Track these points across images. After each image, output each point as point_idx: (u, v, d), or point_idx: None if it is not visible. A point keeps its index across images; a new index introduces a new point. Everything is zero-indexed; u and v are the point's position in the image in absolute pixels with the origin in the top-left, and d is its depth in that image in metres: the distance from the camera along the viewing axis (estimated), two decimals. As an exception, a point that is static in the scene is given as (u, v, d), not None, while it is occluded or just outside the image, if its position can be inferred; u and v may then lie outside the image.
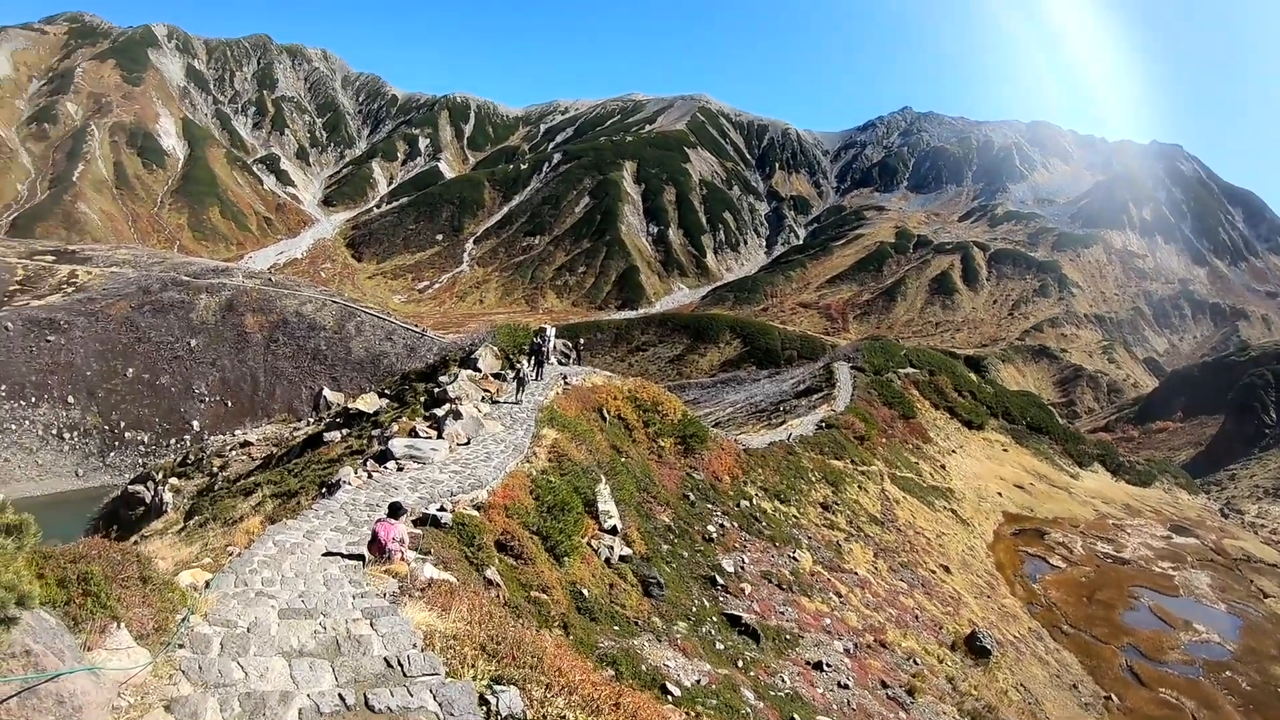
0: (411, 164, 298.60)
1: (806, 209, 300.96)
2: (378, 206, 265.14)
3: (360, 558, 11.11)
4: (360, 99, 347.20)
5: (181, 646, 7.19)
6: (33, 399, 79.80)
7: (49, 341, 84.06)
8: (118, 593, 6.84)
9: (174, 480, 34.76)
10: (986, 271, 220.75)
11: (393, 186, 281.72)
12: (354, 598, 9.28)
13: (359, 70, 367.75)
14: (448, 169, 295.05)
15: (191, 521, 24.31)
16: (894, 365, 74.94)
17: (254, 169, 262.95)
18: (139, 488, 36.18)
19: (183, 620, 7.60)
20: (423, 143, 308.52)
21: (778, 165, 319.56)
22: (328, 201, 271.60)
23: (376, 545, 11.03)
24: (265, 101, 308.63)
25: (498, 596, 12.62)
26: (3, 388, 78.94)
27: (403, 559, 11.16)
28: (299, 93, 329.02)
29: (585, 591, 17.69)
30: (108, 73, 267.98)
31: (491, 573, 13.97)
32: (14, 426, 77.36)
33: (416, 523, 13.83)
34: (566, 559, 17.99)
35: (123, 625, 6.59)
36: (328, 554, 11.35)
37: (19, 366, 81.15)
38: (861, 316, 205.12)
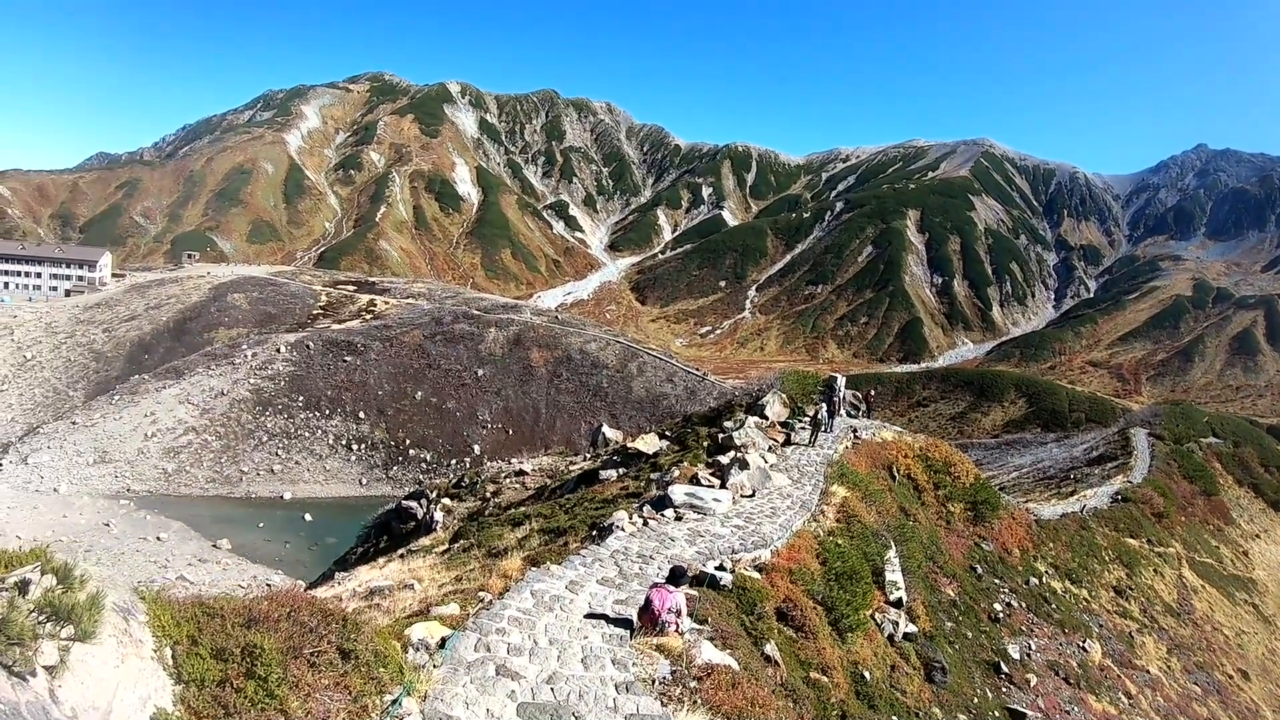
0: (695, 212, 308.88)
1: (1097, 259, 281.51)
2: (662, 252, 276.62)
3: (628, 623, 9.83)
4: (644, 149, 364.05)
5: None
6: (327, 411, 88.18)
7: (345, 361, 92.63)
8: (297, 674, 4.75)
9: (446, 500, 35.15)
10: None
11: (677, 233, 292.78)
12: (616, 688, 7.82)
13: (642, 121, 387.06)
14: (730, 217, 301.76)
15: (456, 545, 24.20)
16: (1195, 434, 70.62)
17: (544, 215, 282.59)
18: (413, 503, 37.03)
19: (391, 704, 5.47)
20: (705, 191, 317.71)
21: (1066, 212, 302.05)
22: (614, 246, 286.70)
23: (649, 614, 9.55)
24: (554, 152, 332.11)
25: (775, 676, 11.46)
26: (300, 399, 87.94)
27: (678, 631, 9.66)
28: (585, 144, 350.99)
29: (867, 674, 15.90)
30: (407, 125, 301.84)
31: (771, 648, 12.47)
32: (307, 434, 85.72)
33: (694, 581, 12.35)
34: (850, 634, 16.21)
35: (292, 721, 4.46)
36: (590, 615, 10.01)
37: (316, 381, 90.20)
38: (1155, 378, 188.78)
